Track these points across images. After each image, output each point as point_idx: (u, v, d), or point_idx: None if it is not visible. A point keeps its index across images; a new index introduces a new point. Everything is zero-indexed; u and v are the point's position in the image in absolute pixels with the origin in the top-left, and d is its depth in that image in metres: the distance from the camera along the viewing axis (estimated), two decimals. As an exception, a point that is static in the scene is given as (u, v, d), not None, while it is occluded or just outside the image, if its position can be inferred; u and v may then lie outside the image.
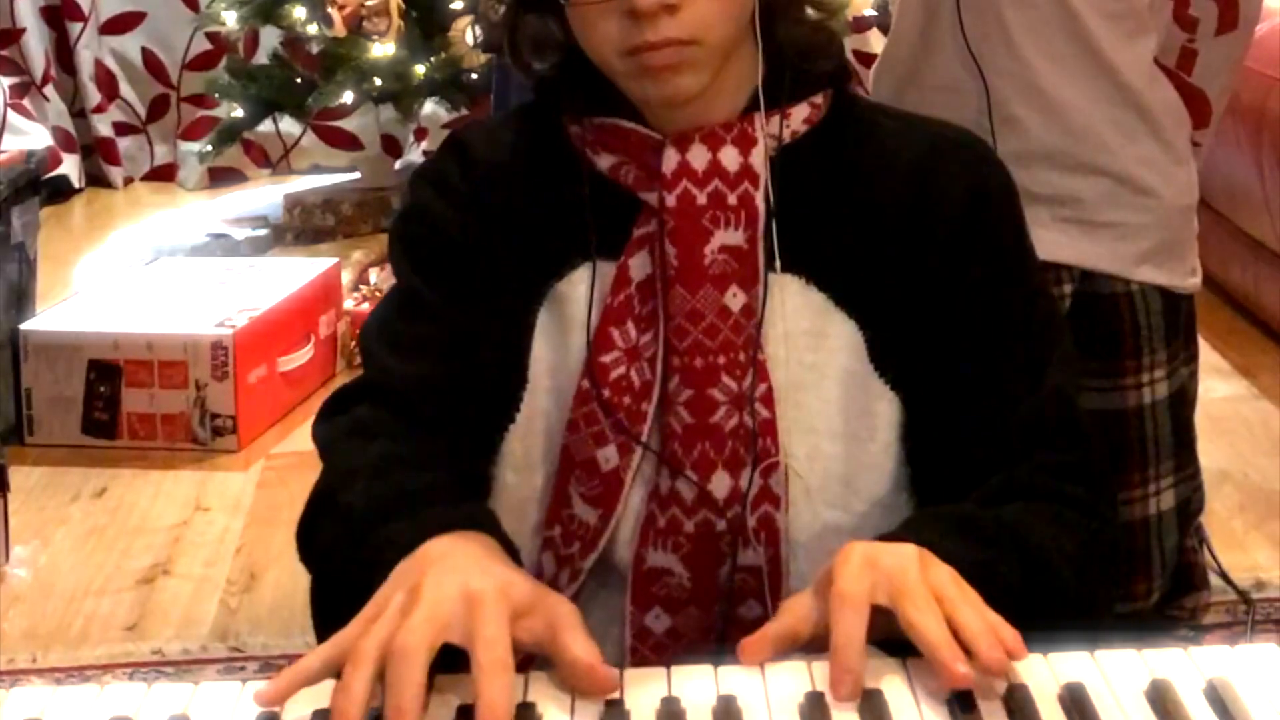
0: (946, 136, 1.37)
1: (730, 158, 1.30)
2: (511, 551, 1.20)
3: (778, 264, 1.30)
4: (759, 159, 1.30)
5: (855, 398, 1.30)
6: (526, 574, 1.16)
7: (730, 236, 1.29)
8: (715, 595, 1.30)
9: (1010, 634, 1.04)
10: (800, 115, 1.33)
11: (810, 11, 1.34)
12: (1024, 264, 1.36)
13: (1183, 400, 2.02)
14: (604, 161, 1.33)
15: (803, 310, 1.31)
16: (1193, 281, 2.01)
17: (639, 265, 1.31)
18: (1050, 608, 1.16)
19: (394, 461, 1.27)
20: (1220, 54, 2.02)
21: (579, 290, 1.32)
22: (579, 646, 1.05)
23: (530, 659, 1.08)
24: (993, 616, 1.06)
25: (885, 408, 1.31)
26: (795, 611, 1.10)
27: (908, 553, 1.10)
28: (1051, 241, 1.90)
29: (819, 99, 1.34)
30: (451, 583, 1.07)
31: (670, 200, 1.29)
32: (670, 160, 1.30)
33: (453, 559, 1.11)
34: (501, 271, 1.34)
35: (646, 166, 1.31)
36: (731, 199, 1.29)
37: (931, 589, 1.06)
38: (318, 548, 1.31)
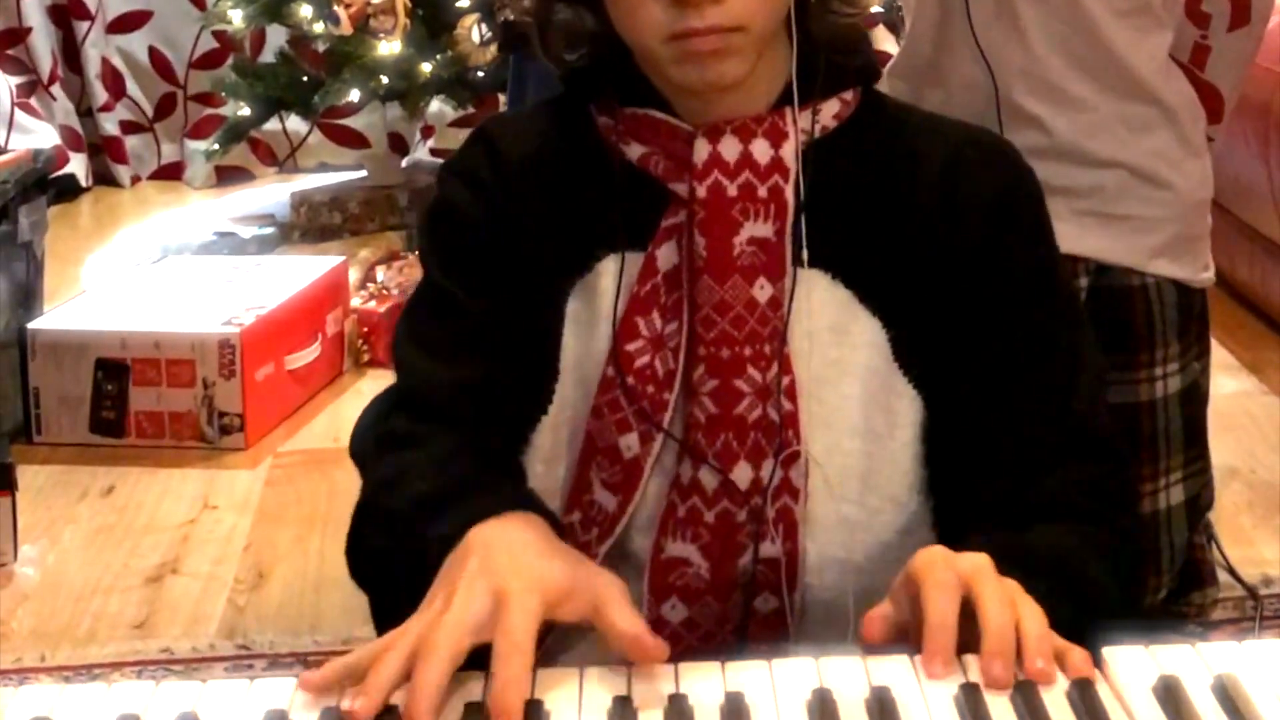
0: (975, 138, 1.38)
1: (761, 150, 1.30)
2: (557, 527, 1.21)
3: (805, 257, 1.30)
4: (790, 152, 1.30)
5: (877, 395, 1.31)
6: (568, 553, 1.17)
7: (759, 229, 1.30)
8: (733, 586, 1.30)
9: (1080, 656, 1.05)
10: (830, 111, 1.33)
11: (842, 6, 1.34)
12: (1052, 269, 1.36)
13: (1194, 395, 2.03)
14: (634, 152, 1.33)
15: (828, 306, 1.31)
16: (1206, 276, 2.02)
17: (666, 256, 1.31)
18: (1089, 632, 1.15)
19: (434, 464, 1.28)
20: (1233, 49, 2.03)
21: (607, 281, 1.33)
22: (624, 619, 1.07)
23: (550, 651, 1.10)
24: (1060, 641, 1.06)
25: (906, 406, 1.31)
26: (889, 607, 1.11)
27: (984, 557, 1.11)
28: (1067, 234, 1.91)
29: (849, 95, 1.34)
30: (482, 585, 1.08)
31: (701, 191, 1.30)
32: (701, 151, 1.30)
33: (492, 551, 1.12)
34: (531, 265, 1.34)
35: (677, 157, 1.31)
36: (762, 191, 1.30)
37: (1004, 593, 1.07)
38: (365, 560, 1.32)
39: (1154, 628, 1.97)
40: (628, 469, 1.31)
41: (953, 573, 1.07)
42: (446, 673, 1.03)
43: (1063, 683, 1.03)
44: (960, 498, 1.30)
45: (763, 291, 1.30)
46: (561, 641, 1.19)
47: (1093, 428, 1.33)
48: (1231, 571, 2.50)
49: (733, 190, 1.30)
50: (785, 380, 1.30)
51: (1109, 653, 1.05)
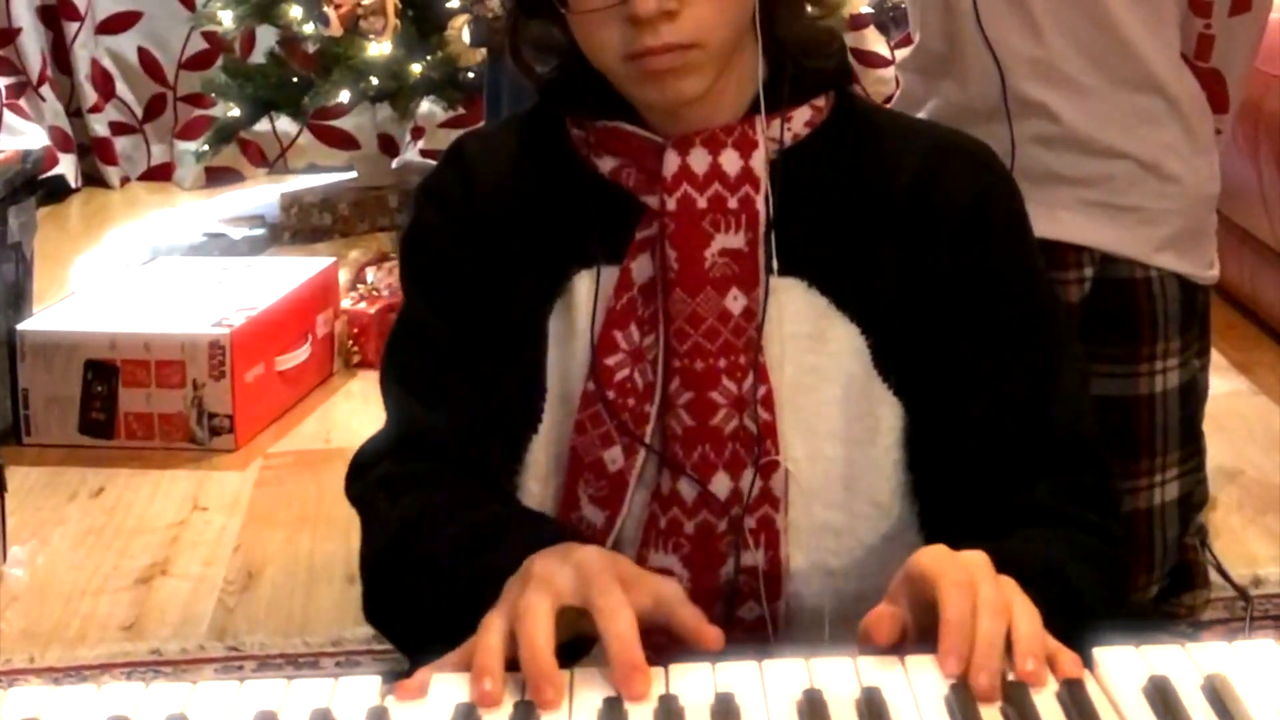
0: (950, 141, 1.37)
1: (731, 161, 1.30)
2: None
3: (775, 267, 1.29)
4: (759, 162, 1.30)
5: (857, 401, 1.30)
6: None
7: (730, 240, 1.29)
8: (715, 596, 1.30)
9: (1070, 658, 1.04)
10: (802, 118, 1.32)
11: (810, 9, 1.34)
12: (1029, 271, 1.35)
13: (1193, 391, 2.03)
14: (606, 164, 1.33)
15: (804, 313, 1.30)
16: (1211, 273, 2.02)
17: (641, 268, 1.31)
18: (1077, 637, 1.15)
19: (452, 505, 1.28)
20: (1236, 37, 2.03)
21: (584, 294, 1.33)
22: (686, 610, 1.08)
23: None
24: (1054, 643, 1.05)
25: (887, 412, 1.31)
26: (894, 607, 1.10)
27: (983, 556, 1.10)
28: (1074, 223, 1.92)
29: (820, 101, 1.34)
30: (558, 560, 1.09)
31: (670, 204, 1.29)
32: (671, 163, 1.29)
33: (556, 552, 1.12)
34: (510, 283, 1.34)
35: (647, 169, 1.31)
36: (732, 202, 1.29)
37: (1000, 596, 1.06)
38: (396, 604, 1.31)
39: (1144, 627, 1.97)
40: (613, 483, 1.31)
41: (966, 572, 1.07)
42: (551, 623, 1.04)
43: (1053, 682, 1.02)
44: (945, 503, 1.30)
45: (736, 302, 1.29)
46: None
47: (1076, 432, 1.32)
48: (1222, 572, 2.50)
49: (702, 202, 1.29)
50: (762, 390, 1.29)
51: (1099, 653, 1.05)
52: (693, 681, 1.04)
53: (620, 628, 1.03)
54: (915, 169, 1.32)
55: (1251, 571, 2.67)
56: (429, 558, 1.26)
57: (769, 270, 1.29)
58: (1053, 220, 1.90)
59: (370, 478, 1.35)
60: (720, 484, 1.29)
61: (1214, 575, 2.24)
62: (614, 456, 1.31)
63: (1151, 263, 1.95)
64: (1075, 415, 1.33)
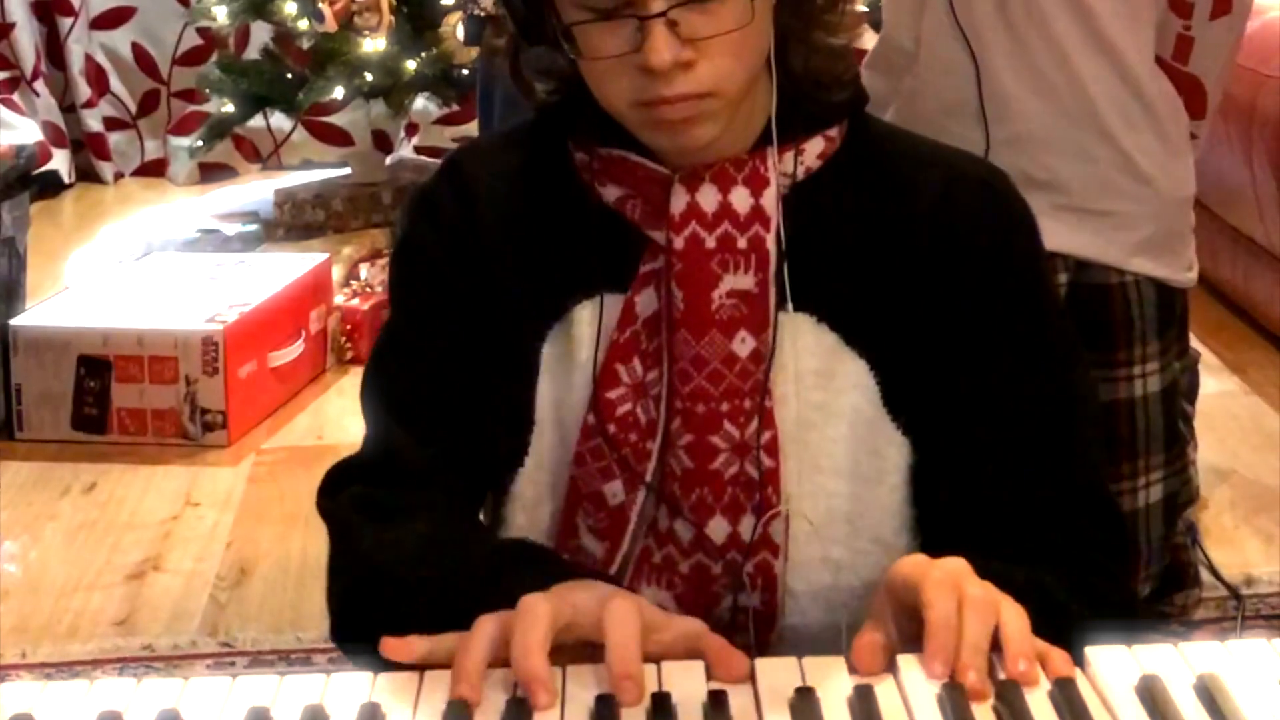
0: (967, 173, 1.32)
1: (741, 199, 1.25)
2: None
3: (790, 305, 1.26)
4: (770, 200, 1.25)
5: (864, 439, 1.28)
6: None
7: (740, 280, 1.26)
8: None
9: (1061, 657, 1.04)
10: (815, 149, 1.28)
11: (824, 40, 1.27)
12: (1047, 311, 1.31)
13: (1174, 394, 2.03)
14: (610, 194, 1.28)
15: (813, 349, 1.27)
16: (1189, 276, 2.02)
17: (646, 302, 1.28)
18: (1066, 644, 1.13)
19: (448, 541, 1.25)
20: (1216, 40, 2.02)
21: (584, 324, 1.29)
22: (713, 639, 1.06)
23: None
24: (1041, 644, 1.05)
25: (895, 451, 1.28)
26: (877, 627, 1.08)
27: (962, 561, 1.09)
28: (1047, 229, 1.90)
29: (834, 131, 1.29)
30: (582, 588, 1.09)
31: (678, 243, 1.25)
32: (679, 201, 1.25)
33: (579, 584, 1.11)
34: (503, 307, 1.30)
35: (654, 202, 1.27)
36: (741, 242, 1.25)
37: (986, 595, 1.06)
38: (370, 630, 1.22)
39: (1135, 627, 1.98)
40: (614, 515, 1.28)
41: (949, 573, 1.06)
42: (548, 627, 1.03)
43: (1044, 681, 1.02)
44: (947, 540, 1.23)
45: (744, 345, 1.26)
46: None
47: (1087, 475, 1.29)
48: (1214, 571, 2.50)
49: (711, 242, 1.25)
50: (766, 436, 1.26)
51: (1091, 652, 1.05)
52: (685, 679, 1.04)
53: (622, 636, 1.03)
54: (933, 201, 1.28)
55: (1243, 571, 2.67)
56: (409, 595, 1.20)
57: (780, 308, 1.26)
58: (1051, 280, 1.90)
59: (343, 497, 1.31)
60: (717, 528, 1.27)
61: (1206, 575, 2.24)
62: (614, 490, 1.28)
63: (1126, 267, 1.95)
64: (1085, 455, 1.30)
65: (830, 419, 1.27)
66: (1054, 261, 1.92)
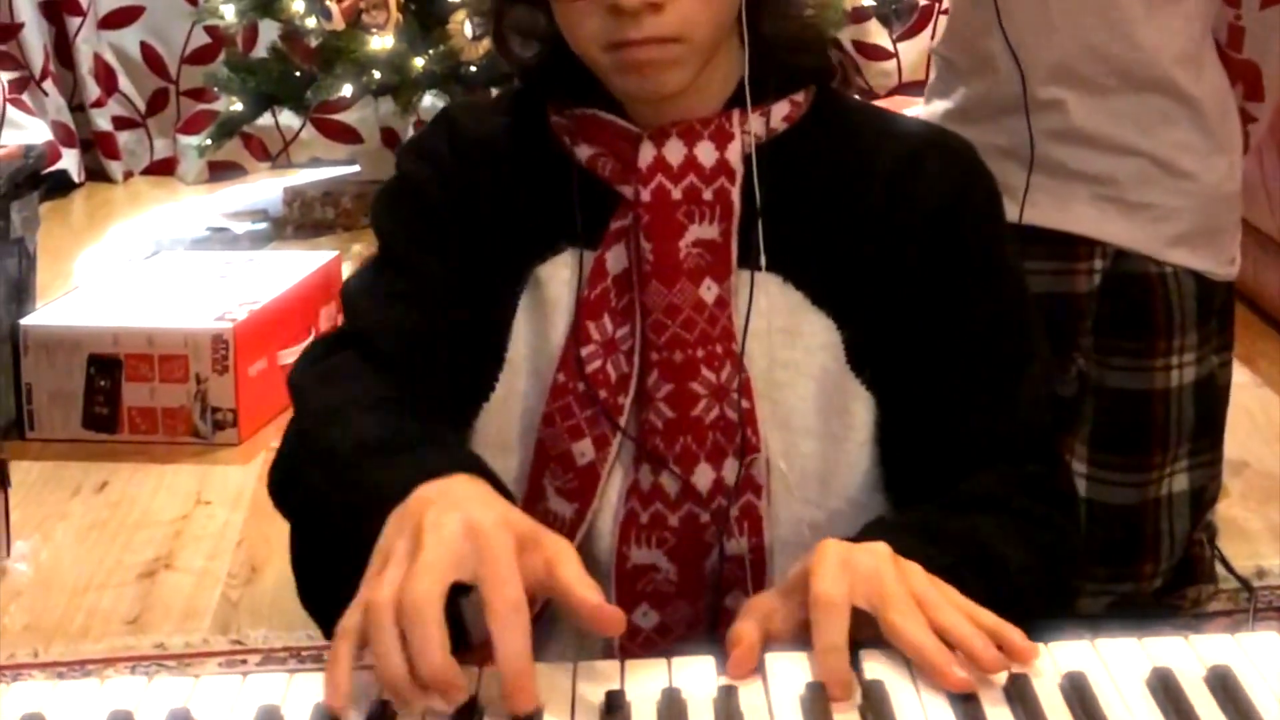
0: (929, 138, 1.36)
1: (706, 153, 1.29)
2: (505, 495, 1.14)
3: (763, 261, 1.29)
4: (735, 155, 1.29)
5: (832, 397, 1.30)
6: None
7: (704, 231, 1.29)
8: (702, 587, 1.30)
9: (1016, 634, 1.04)
10: (780, 112, 1.32)
11: (796, 2, 1.33)
12: (1001, 269, 1.34)
13: (1210, 387, 2.03)
14: (583, 152, 1.32)
15: (780, 308, 1.30)
16: (1230, 270, 2.02)
17: (615, 258, 1.31)
18: (1006, 615, 1.11)
19: (375, 404, 1.26)
20: (1268, 26, 2.02)
21: (558, 277, 1.32)
22: (581, 587, 1.02)
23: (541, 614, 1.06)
24: (990, 617, 1.05)
25: (861, 408, 1.30)
26: (764, 613, 1.08)
27: (881, 552, 1.08)
28: (1085, 217, 1.92)
29: (800, 96, 1.33)
30: (453, 519, 1.03)
31: (645, 195, 1.29)
32: (646, 155, 1.29)
33: (450, 496, 1.07)
34: (484, 247, 1.34)
35: (624, 159, 1.30)
36: (707, 194, 1.29)
37: (911, 592, 1.05)
38: (298, 493, 1.27)
39: (1147, 620, 1.98)
40: (583, 475, 1.30)
41: (844, 586, 1.05)
42: (442, 620, 0.98)
43: (1056, 674, 1.02)
44: (913, 497, 1.29)
45: (709, 292, 1.29)
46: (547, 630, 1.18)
47: (1033, 427, 1.32)
48: (1225, 564, 2.50)
49: (677, 194, 1.29)
50: (740, 378, 1.29)
51: (1102, 644, 1.05)
52: (695, 674, 1.04)
53: (511, 642, 0.99)
54: (892, 165, 1.31)
55: (1255, 563, 2.67)
56: (334, 453, 1.21)
57: (755, 264, 1.29)
58: (1066, 212, 1.90)
59: (310, 368, 1.33)
60: (703, 475, 1.29)
61: (1218, 568, 2.24)
62: (583, 449, 1.29)
63: (1164, 259, 1.95)
64: (1034, 410, 1.32)
65: (799, 377, 1.30)
66: (1091, 248, 1.93)
